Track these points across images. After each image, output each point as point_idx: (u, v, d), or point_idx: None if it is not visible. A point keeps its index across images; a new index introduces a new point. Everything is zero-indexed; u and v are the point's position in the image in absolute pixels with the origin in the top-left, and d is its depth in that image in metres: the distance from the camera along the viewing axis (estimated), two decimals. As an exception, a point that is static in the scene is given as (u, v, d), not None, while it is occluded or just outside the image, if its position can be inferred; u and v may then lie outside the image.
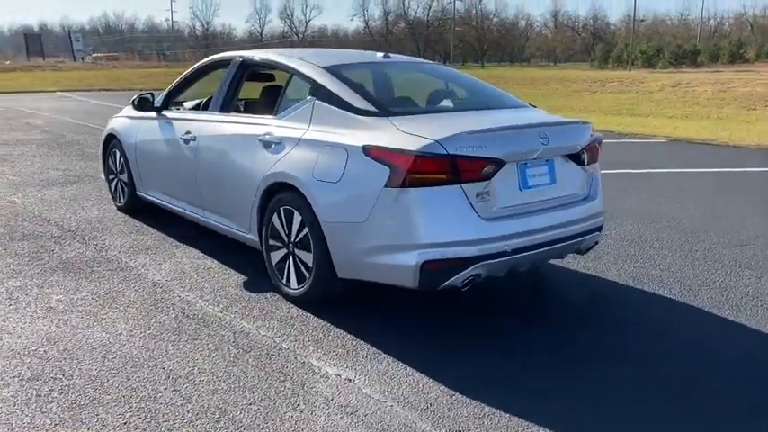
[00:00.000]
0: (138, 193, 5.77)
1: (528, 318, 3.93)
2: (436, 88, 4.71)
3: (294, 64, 4.33)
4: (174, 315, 3.84)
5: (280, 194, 3.97)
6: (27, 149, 10.10)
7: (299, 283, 3.95)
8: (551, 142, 3.70)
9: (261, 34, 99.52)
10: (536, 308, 4.12)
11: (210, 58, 5.30)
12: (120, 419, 2.73)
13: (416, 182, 3.34)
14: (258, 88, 5.01)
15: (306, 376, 3.15)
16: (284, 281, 4.05)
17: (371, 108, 3.78)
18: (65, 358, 3.26)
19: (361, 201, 3.51)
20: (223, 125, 4.60)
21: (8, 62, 35.02)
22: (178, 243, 5.19)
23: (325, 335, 3.62)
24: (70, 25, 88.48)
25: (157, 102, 5.34)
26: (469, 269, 3.41)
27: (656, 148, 11.60)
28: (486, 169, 3.43)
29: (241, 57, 4.84)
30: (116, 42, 70.61)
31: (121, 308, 3.93)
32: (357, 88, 4.02)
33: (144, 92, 5.56)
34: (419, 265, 3.35)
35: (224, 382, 3.08)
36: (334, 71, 4.16)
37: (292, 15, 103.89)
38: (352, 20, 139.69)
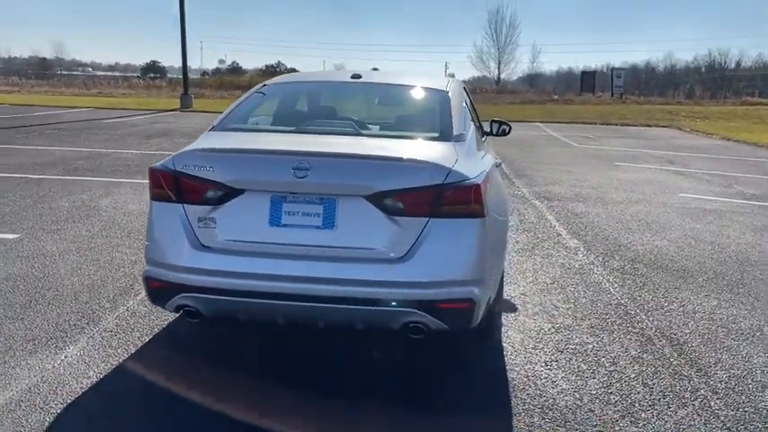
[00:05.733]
0: None
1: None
2: (346, 110, 4.40)
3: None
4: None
5: None
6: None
7: None
8: (313, 177, 3.05)
9: None
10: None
11: None
12: None
13: (154, 195, 3.33)
14: None
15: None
16: None
17: (214, 122, 3.86)
18: None
19: None
20: None
21: (556, 96, 41.35)
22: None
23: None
24: (666, 62, 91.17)
25: None
26: (176, 297, 3.17)
27: None
28: (209, 193, 3.16)
29: None
30: (712, 80, 70.89)
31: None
32: (248, 106, 4.11)
33: None
34: (144, 280, 3.31)
35: None
36: (270, 87, 4.35)
37: None
38: None
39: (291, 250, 3.14)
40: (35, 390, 3.23)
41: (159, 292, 3.27)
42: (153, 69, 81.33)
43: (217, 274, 3.12)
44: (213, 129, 3.80)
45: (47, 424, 2.94)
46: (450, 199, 3.10)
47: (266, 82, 4.51)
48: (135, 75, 73.93)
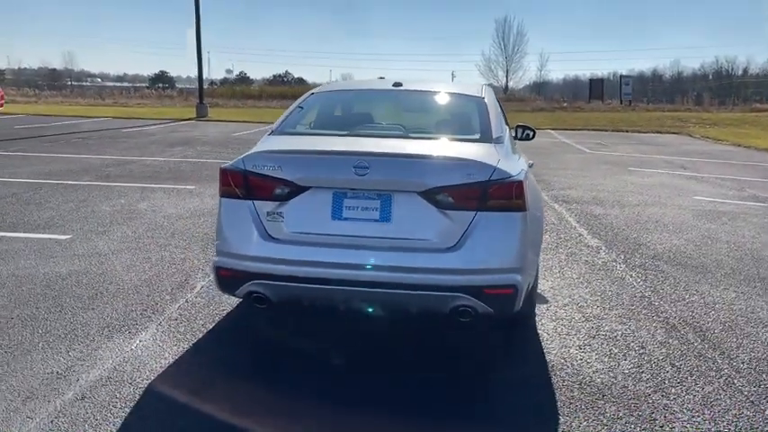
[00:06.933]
0: None
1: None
2: (391, 115, 4.74)
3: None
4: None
5: None
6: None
7: None
8: (372, 175, 3.38)
9: None
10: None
11: None
12: None
13: (224, 193, 3.68)
14: None
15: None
16: None
17: (273, 127, 4.22)
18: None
19: None
20: None
21: (565, 104, 41.73)
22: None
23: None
24: (672, 70, 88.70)
25: None
26: (247, 285, 3.49)
27: None
28: (278, 190, 3.49)
29: None
30: (720, 87, 68.91)
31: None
32: (300, 112, 4.48)
33: None
34: (214, 269, 3.64)
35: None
36: (317, 96, 4.76)
37: None
38: None
39: (352, 241, 3.46)
40: (120, 368, 3.58)
41: (230, 280, 3.60)
42: (161, 80, 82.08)
43: (284, 263, 3.45)
44: (272, 133, 4.15)
45: (137, 396, 3.28)
46: (496, 194, 3.43)
47: (313, 91, 4.87)
48: (144, 85, 74.61)
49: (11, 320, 4.22)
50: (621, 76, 45.96)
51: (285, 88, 54.27)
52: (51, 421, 3.03)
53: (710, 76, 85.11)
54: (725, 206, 9.05)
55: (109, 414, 3.10)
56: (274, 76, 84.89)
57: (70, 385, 3.37)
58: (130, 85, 78.96)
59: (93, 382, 3.42)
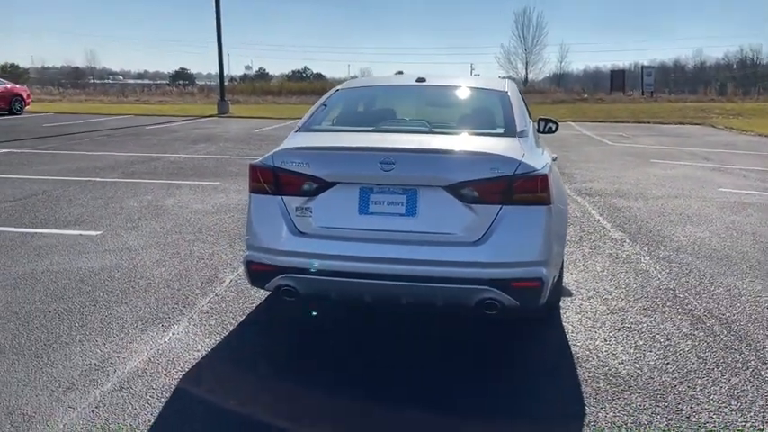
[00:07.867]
0: None
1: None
2: (415, 110, 4.80)
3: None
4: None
5: None
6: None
7: None
8: (398, 170, 3.45)
9: None
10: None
11: None
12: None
13: (253, 189, 3.77)
14: None
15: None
16: None
17: (299, 124, 4.30)
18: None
19: None
20: None
21: (586, 95, 41.31)
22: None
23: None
24: (695, 60, 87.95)
25: None
26: (276, 278, 3.58)
27: None
28: (306, 186, 3.57)
29: None
30: (744, 77, 65.70)
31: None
32: (326, 109, 4.54)
33: None
34: (245, 264, 3.74)
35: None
36: (342, 92, 4.81)
37: None
38: None
39: (378, 235, 3.53)
40: (155, 360, 3.69)
41: (260, 274, 3.69)
42: (182, 77, 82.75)
43: (313, 257, 3.53)
44: (299, 130, 4.23)
45: (173, 387, 3.38)
46: (521, 188, 3.47)
47: (338, 87, 4.94)
48: (165, 82, 75.24)
49: (48, 314, 4.36)
50: (643, 67, 45.44)
51: (304, 84, 54.51)
52: (92, 411, 3.14)
53: (734, 66, 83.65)
54: (750, 198, 8.97)
55: (146, 404, 3.21)
56: (293, 71, 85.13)
57: (108, 376, 3.49)
58: (151, 82, 79.58)
59: (129, 373, 3.53)
